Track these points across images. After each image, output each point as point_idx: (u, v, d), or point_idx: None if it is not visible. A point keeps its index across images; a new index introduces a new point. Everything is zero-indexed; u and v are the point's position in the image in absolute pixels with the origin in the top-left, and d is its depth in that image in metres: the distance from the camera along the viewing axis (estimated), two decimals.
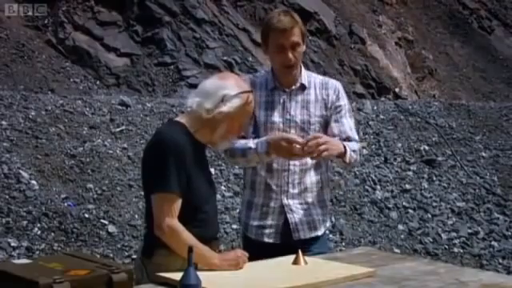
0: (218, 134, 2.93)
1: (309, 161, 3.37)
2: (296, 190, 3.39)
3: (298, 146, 3.14)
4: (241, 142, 3.29)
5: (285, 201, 3.38)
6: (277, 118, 3.38)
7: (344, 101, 3.48)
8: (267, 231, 3.39)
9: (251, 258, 3.01)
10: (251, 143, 3.26)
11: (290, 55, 3.29)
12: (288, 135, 3.21)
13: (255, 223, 3.41)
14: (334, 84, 3.49)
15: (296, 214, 3.39)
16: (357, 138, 3.48)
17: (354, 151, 3.34)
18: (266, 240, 3.38)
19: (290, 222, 3.38)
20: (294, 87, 3.42)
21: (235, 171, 7.37)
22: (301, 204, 3.40)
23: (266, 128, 3.37)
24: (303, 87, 3.42)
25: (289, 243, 3.27)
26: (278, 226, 3.38)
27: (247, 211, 3.46)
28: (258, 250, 3.18)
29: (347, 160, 3.30)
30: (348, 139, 3.41)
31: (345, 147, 3.28)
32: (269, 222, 3.39)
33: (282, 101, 3.40)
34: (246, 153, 3.28)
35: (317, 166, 3.42)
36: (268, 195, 3.39)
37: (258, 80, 3.45)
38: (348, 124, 3.46)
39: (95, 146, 7.31)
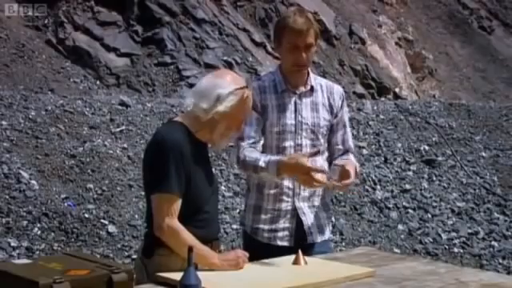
0: (217, 133, 2.92)
1: (317, 164, 3.36)
2: (306, 193, 3.37)
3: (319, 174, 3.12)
4: (252, 157, 3.22)
5: (297, 203, 3.36)
6: (289, 120, 3.35)
7: (346, 108, 3.54)
8: (280, 234, 3.36)
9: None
10: (262, 162, 3.17)
11: (304, 55, 3.29)
12: (306, 163, 3.08)
13: (266, 227, 3.37)
14: (340, 90, 3.51)
15: (308, 216, 3.38)
16: (353, 149, 3.53)
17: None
18: (280, 243, 3.35)
19: (304, 224, 3.36)
20: (303, 89, 3.40)
21: (235, 171, 7.36)
22: (309, 207, 3.39)
23: (278, 131, 3.34)
24: (312, 89, 3.42)
25: (301, 246, 3.23)
26: (292, 229, 3.36)
27: (255, 215, 3.40)
28: (269, 254, 3.15)
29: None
30: (348, 150, 3.45)
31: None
32: (281, 225, 3.36)
33: (293, 103, 3.37)
34: (257, 170, 3.21)
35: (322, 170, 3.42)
36: (279, 198, 3.35)
37: (266, 83, 3.40)
38: (350, 134, 3.51)
39: (95, 146, 7.31)
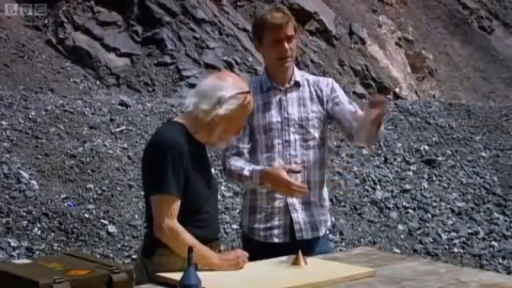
0: (215, 135, 2.92)
1: (311, 158, 3.38)
2: None
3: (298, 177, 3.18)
4: (237, 166, 3.30)
5: (289, 200, 3.38)
6: (274, 117, 3.38)
7: (341, 91, 3.51)
8: (276, 232, 3.39)
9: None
10: (246, 171, 3.26)
11: (286, 46, 3.33)
12: (284, 175, 3.17)
13: (262, 226, 3.40)
14: (327, 80, 3.53)
15: (299, 213, 3.39)
16: None
17: None
18: (276, 240, 3.38)
19: (294, 221, 3.38)
20: (288, 85, 3.43)
21: None
22: (303, 204, 3.41)
23: (265, 130, 3.37)
24: (298, 84, 3.45)
25: (296, 242, 3.29)
26: (286, 226, 3.39)
27: (250, 216, 3.43)
28: (267, 252, 3.17)
29: (382, 128, 3.27)
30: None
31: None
32: (276, 222, 3.39)
33: (278, 100, 3.41)
34: (242, 178, 3.30)
35: (321, 164, 3.43)
36: (272, 196, 3.37)
37: (252, 85, 3.42)
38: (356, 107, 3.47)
39: (95, 146, 7.31)
